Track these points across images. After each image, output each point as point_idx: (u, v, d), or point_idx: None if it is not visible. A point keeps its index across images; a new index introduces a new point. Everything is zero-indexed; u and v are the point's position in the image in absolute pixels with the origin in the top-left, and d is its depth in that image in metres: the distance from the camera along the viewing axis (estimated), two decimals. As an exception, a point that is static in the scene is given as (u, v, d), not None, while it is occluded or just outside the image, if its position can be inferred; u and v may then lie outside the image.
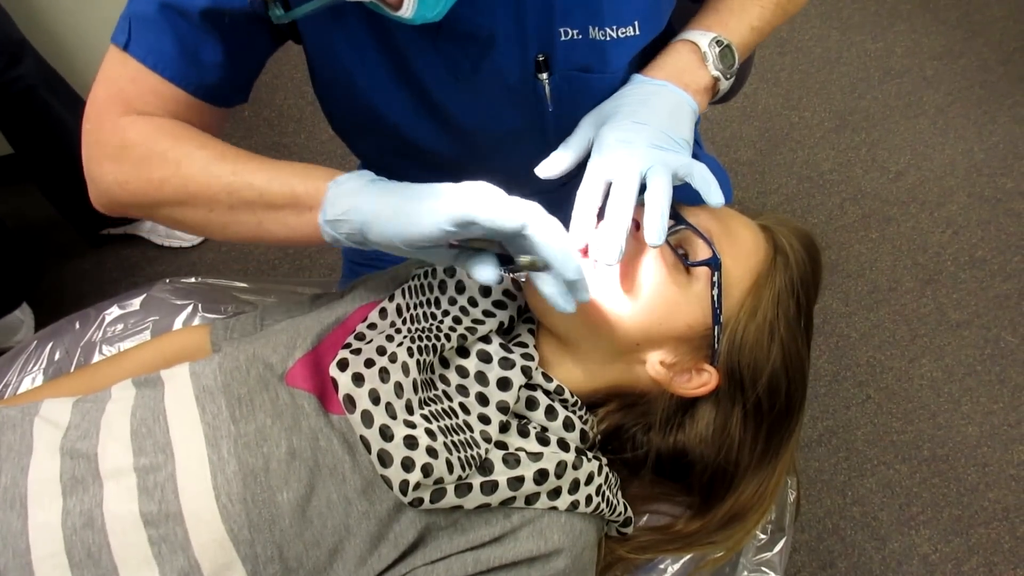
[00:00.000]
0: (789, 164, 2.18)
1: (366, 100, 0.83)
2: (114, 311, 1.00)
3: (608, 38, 0.78)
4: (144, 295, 1.02)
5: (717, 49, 0.82)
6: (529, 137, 0.87)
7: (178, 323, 1.00)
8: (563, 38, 0.78)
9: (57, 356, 0.97)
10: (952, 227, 2.05)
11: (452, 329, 0.75)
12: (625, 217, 0.69)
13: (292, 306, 0.91)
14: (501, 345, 0.75)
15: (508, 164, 0.84)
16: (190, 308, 1.01)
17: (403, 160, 0.92)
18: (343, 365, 0.71)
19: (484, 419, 0.71)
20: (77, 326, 1.00)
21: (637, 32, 0.79)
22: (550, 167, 0.79)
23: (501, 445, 0.71)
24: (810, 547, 1.58)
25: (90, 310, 1.01)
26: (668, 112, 0.77)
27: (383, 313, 0.79)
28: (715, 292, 0.72)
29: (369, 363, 0.71)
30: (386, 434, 0.67)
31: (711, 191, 0.72)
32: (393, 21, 0.65)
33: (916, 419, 1.74)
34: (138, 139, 0.73)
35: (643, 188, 0.72)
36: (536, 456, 0.70)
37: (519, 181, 0.79)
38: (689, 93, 0.80)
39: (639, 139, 0.74)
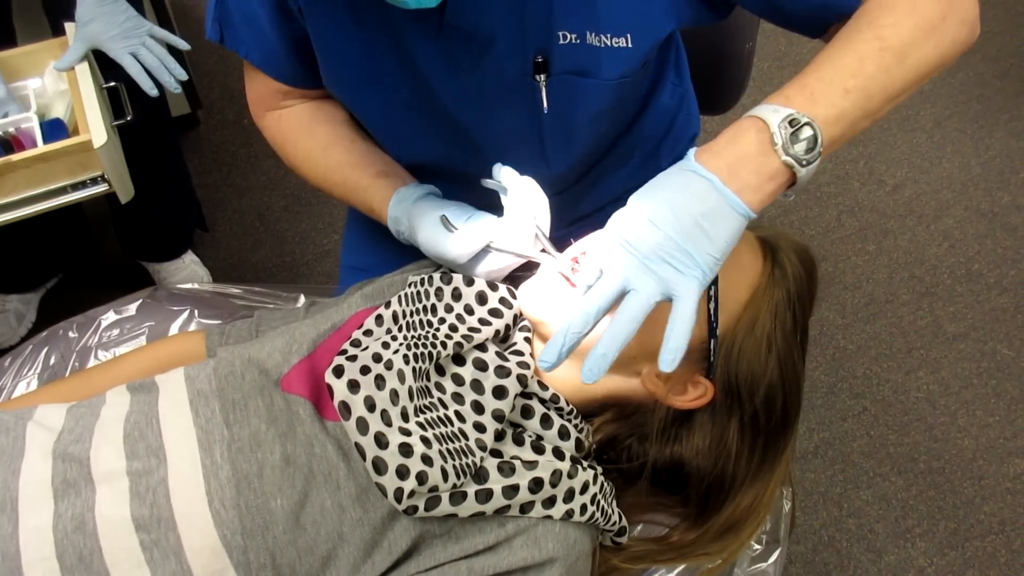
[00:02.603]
0: (787, 176, 2.19)
1: (369, 95, 0.87)
2: (110, 316, 1.00)
3: (603, 45, 0.78)
4: (140, 301, 1.02)
5: (790, 130, 0.64)
6: (524, 139, 0.88)
7: (174, 329, 1.00)
8: (562, 41, 0.78)
9: (52, 361, 0.96)
10: (949, 240, 2.06)
11: (448, 337, 0.75)
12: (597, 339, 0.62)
13: (288, 313, 0.91)
14: (497, 353, 0.75)
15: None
16: (186, 314, 1.01)
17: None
18: (339, 372, 0.71)
19: (479, 427, 0.71)
20: (73, 331, 0.99)
21: (629, 45, 0.79)
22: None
23: (496, 453, 0.71)
24: (806, 559, 1.58)
25: (86, 315, 1.01)
26: (695, 220, 0.62)
27: (379, 320, 0.79)
28: (711, 306, 0.72)
29: (365, 370, 0.71)
30: (381, 441, 0.67)
31: (666, 348, 0.60)
32: (398, 12, 0.66)
33: (912, 431, 1.74)
34: (273, 138, 1.00)
35: None
36: (531, 465, 0.70)
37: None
38: (743, 192, 0.63)
39: (644, 246, 0.62)
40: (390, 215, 0.88)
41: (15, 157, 1.09)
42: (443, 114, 0.86)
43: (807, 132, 0.64)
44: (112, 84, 1.25)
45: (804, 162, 0.65)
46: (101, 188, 1.18)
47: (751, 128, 0.65)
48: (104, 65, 1.25)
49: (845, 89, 0.66)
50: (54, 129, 1.18)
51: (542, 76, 0.80)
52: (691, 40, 1.17)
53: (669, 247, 0.61)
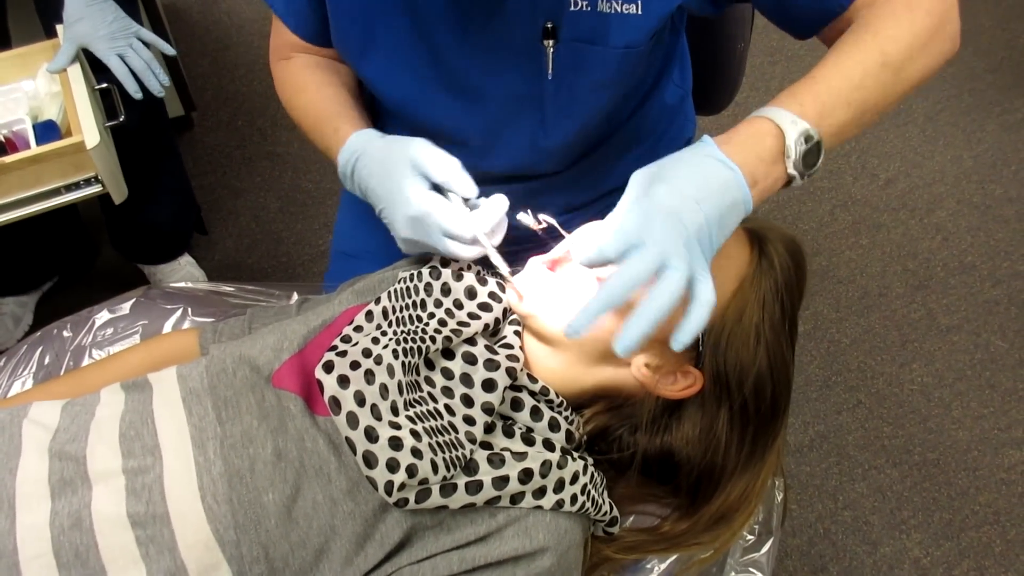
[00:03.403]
0: (780, 171, 2.19)
1: (380, 57, 0.89)
2: (104, 315, 1.01)
3: (613, 11, 0.80)
4: (134, 299, 1.03)
5: (804, 147, 0.67)
6: (525, 103, 0.89)
7: (167, 327, 1.00)
8: (572, 8, 0.80)
9: (47, 360, 0.97)
10: (942, 233, 2.07)
11: (437, 331, 0.76)
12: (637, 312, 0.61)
13: (280, 310, 0.91)
14: (487, 347, 0.76)
15: (508, 144, 0.89)
16: (179, 312, 1.01)
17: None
18: (329, 367, 0.72)
19: (469, 420, 0.72)
20: (67, 330, 1.00)
21: (640, 11, 0.80)
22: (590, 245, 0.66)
23: (486, 445, 0.71)
24: (801, 551, 1.58)
25: (80, 314, 1.02)
26: (721, 212, 0.65)
27: (369, 316, 0.80)
28: None
29: (355, 365, 0.72)
30: (371, 435, 0.67)
31: (686, 328, 0.61)
32: None
33: (907, 424, 1.75)
34: (278, 79, 1.02)
35: None
36: (521, 456, 0.70)
37: (521, 162, 0.89)
38: (754, 193, 0.67)
39: (692, 226, 0.63)
40: (341, 156, 0.87)
41: (8, 159, 1.09)
42: (447, 76, 0.88)
43: (814, 148, 0.68)
44: (104, 86, 1.25)
45: (804, 175, 0.70)
46: (95, 189, 1.19)
47: (769, 134, 0.68)
48: (96, 67, 1.26)
49: (848, 102, 0.70)
50: (47, 131, 1.19)
51: (550, 42, 0.82)
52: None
53: (705, 232, 0.63)
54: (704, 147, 0.68)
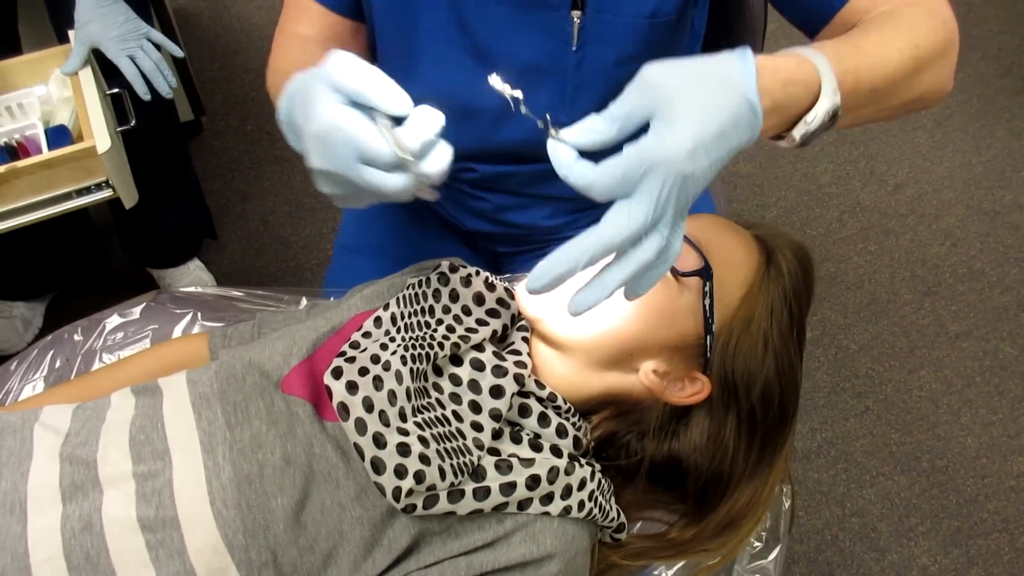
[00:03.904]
0: (788, 177, 2.19)
1: (399, 19, 0.88)
2: (114, 319, 1.01)
3: None
4: (144, 304, 1.03)
5: (826, 120, 0.62)
6: (548, 74, 0.88)
7: (177, 331, 1.01)
8: None
9: (58, 364, 0.98)
10: (951, 239, 2.06)
11: (446, 337, 0.76)
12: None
13: (289, 315, 0.92)
14: (494, 353, 0.76)
15: (523, 117, 0.84)
16: (189, 317, 1.02)
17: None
18: (337, 373, 0.72)
19: (477, 426, 0.72)
20: (78, 334, 1.01)
21: None
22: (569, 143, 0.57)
23: (494, 452, 0.72)
24: (809, 558, 1.58)
25: (90, 318, 1.02)
26: (721, 162, 0.55)
27: (378, 322, 0.80)
28: (707, 302, 0.73)
29: (363, 371, 0.72)
30: (379, 441, 0.68)
31: (643, 283, 0.57)
32: None
33: (915, 430, 1.74)
34: (273, 47, 0.95)
35: None
36: (528, 462, 0.70)
37: (535, 137, 0.74)
38: (764, 122, 0.57)
39: (693, 189, 0.54)
40: (281, 106, 0.69)
41: (20, 164, 1.10)
42: (470, 44, 0.86)
43: (827, 124, 0.62)
44: (116, 91, 1.26)
45: (804, 140, 0.63)
46: (105, 194, 1.20)
47: (809, 88, 0.60)
48: (107, 72, 1.27)
49: (873, 89, 0.65)
50: (58, 136, 1.20)
51: (577, 12, 0.81)
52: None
53: (699, 184, 0.54)
54: (742, 81, 0.55)
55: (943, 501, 1.65)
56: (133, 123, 1.24)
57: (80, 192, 1.18)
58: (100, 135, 1.13)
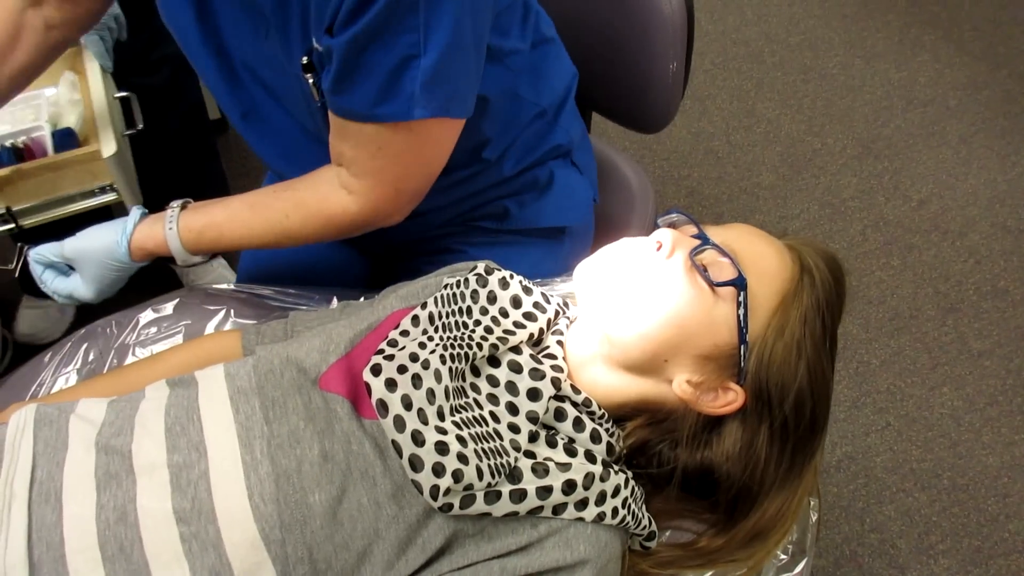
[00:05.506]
0: (811, 190, 2.19)
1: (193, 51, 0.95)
2: (148, 314, 1.02)
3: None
4: (177, 300, 1.04)
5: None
6: (309, 113, 0.94)
7: (210, 328, 1.02)
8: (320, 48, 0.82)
9: (91, 357, 0.98)
10: (975, 256, 2.05)
11: (484, 338, 0.76)
12: None
13: (323, 314, 0.92)
14: (531, 356, 0.76)
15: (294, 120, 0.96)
16: (222, 313, 1.03)
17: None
18: (376, 370, 0.72)
19: (514, 428, 0.72)
20: (111, 328, 1.01)
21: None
22: None
23: (530, 454, 0.72)
24: (827, 573, 1.57)
25: (124, 313, 1.03)
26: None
27: (416, 320, 0.80)
28: (741, 312, 0.73)
29: (402, 369, 0.72)
30: (417, 439, 0.68)
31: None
32: None
33: (936, 447, 1.73)
34: None
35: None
36: (565, 467, 0.70)
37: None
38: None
39: None
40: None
41: (25, 165, 1.11)
42: (237, 75, 0.96)
43: None
44: (124, 94, 1.26)
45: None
46: (110, 197, 1.20)
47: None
48: (117, 78, 1.27)
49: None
50: (64, 138, 1.20)
51: (309, 75, 0.84)
52: (612, 66, 1.19)
53: None
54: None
55: (964, 520, 1.64)
56: (141, 127, 1.25)
57: (84, 195, 1.19)
58: (105, 139, 1.14)
